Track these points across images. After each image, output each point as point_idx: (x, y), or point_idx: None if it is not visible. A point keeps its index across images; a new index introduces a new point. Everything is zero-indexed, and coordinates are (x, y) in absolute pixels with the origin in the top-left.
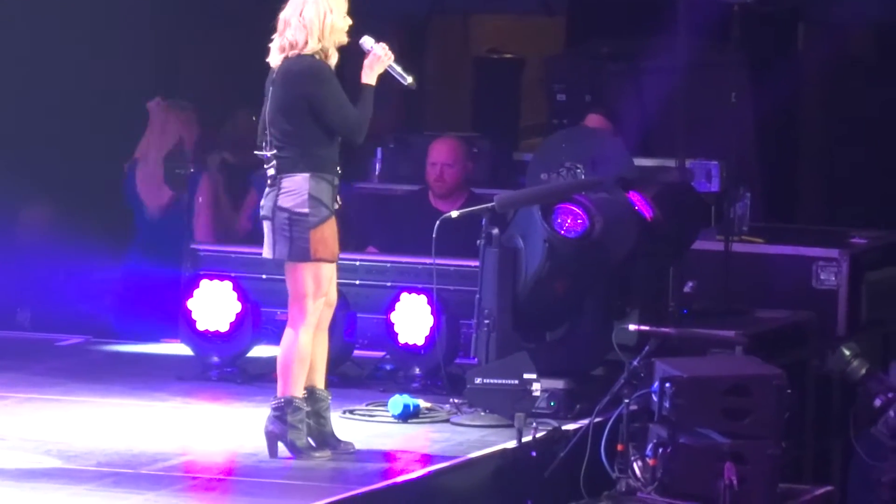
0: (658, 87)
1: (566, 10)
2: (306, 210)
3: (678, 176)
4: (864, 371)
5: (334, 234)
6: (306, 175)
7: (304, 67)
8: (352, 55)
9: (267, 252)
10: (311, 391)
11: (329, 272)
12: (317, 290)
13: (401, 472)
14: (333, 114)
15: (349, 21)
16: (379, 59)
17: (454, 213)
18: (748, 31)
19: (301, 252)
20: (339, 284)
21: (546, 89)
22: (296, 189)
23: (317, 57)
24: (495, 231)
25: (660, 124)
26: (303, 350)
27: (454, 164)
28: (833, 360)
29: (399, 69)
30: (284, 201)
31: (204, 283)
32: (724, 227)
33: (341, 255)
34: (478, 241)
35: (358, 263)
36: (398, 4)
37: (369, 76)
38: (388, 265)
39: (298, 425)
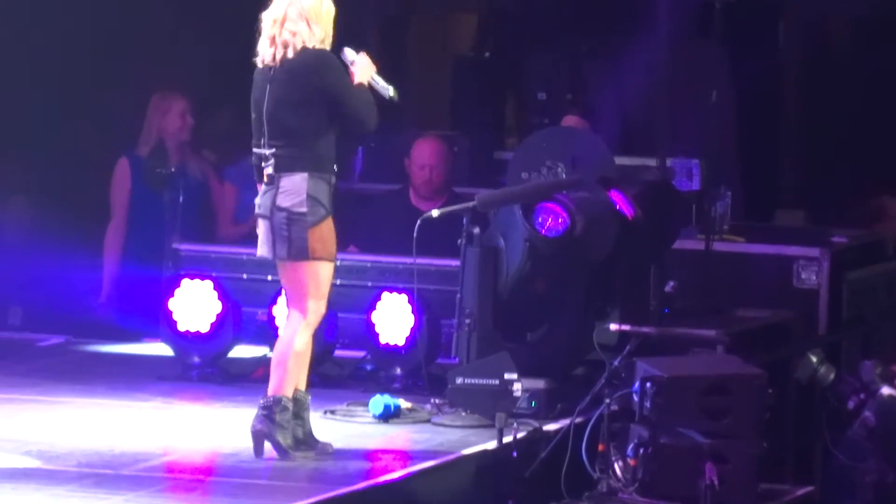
0: (638, 85)
1: (546, 7)
2: (304, 209)
3: (659, 174)
4: (832, 376)
5: (332, 233)
6: (304, 174)
7: (315, 59)
8: None
9: (263, 251)
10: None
11: (328, 272)
12: (317, 289)
13: (382, 473)
14: (350, 100)
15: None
16: (364, 68)
17: (435, 213)
18: (729, 27)
19: (300, 251)
20: None
21: (526, 88)
22: (294, 189)
23: (322, 47)
24: (476, 230)
25: (640, 122)
26: (301, 350)
27: (442, 166)
28: (801, 369)
29: (381, 82)
30: (283, 200)
31: (185, 282)
32: (705, 226)
33: None
34: (459, 241)
35: (338, 263)
36: (376, 3)
37: (358, 80)
38: (369, 265)
39: (286, 425)
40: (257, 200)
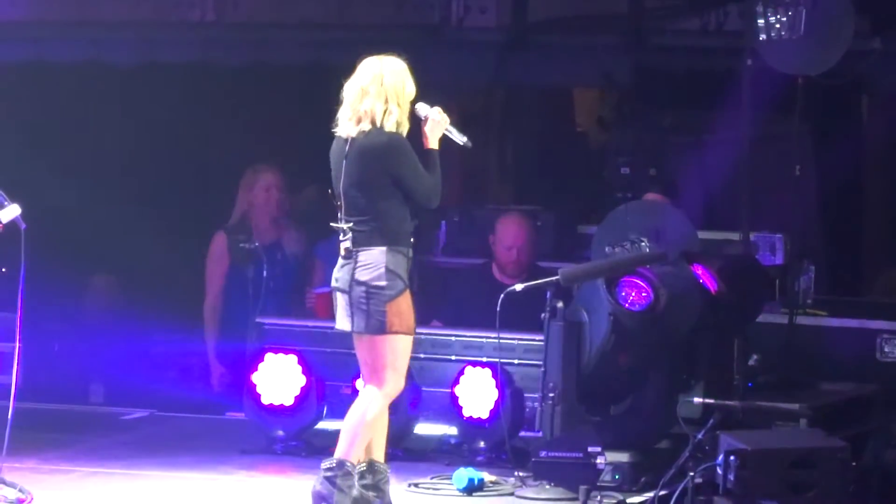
0: (722, 160)
1: (630, 83)
2: (383, 283)
3: (742, 249)
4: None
5: (410, 306)
6: (383, 248)
7: (383, 143)
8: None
9: (343, 324)
10: (370, 464)
11: (407, 344)
12: (395, 361)
13: None
14: (414, 185)
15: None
16: (438, 123)
17: (519, 287)
18: (812, 103)
19: (378, 325)
20: None
21: (609, 162)
22: (373, 262)
23: (394, 129)
24: (560, 304)
25: (724, 197)
26: (373, 419)
27: (528, 245)
28: (867, 453)
29: (455, 131)
30: (361, 275)
31: (269, 356)
32: (789, 300)
33: None
34: (542, 315)
35: (423, 337)
36: (461, 77)
37: (432, 141)
38: (453, 339)
39: (346, 490)
40: (335, 274)
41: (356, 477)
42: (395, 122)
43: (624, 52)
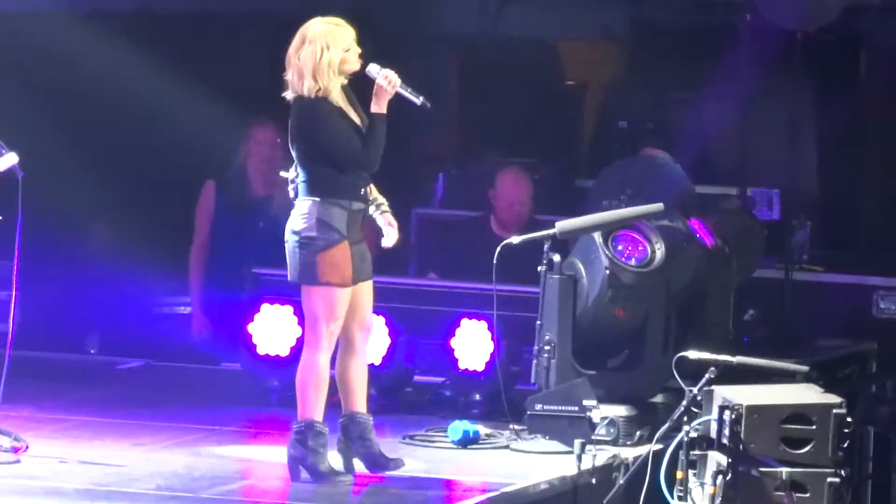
0: (720, 115)
1: (628, 36)
2: (314, 234)
3: (739, 204)
4: (892, 413)
5: (347, 259)
6: (316, 200)
7: (297, 110)
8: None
9: (288, 274)
10: (351, 416)
11: (344, 297)
12: (329, 314)
13: (460, 499)
14: (334, 151)
15: (357, 50)
16: (383, 88)
17: (515, 240)
18: (810, 58)
19: (309, 275)
20: (400, 309)
21: (607, 116)
22: (305, 213)
23: (312, 96)
24: (556, 257)
25: (721, 152)
26: (319, 374)
27: (529, 199)
28: (859, 410)
29: (409, 92)
30: (294, 224)
31: (265, 307)
32: (785, 256)
33: (403, 281)
34: (539, 268)
35: (419, 289)
36: (457, 29)
37: (377, 105)
38: (449, 291)
39: (320, 449)
40: None
41: (327, 434)
42: (311, 89)
43: (622, 5)
